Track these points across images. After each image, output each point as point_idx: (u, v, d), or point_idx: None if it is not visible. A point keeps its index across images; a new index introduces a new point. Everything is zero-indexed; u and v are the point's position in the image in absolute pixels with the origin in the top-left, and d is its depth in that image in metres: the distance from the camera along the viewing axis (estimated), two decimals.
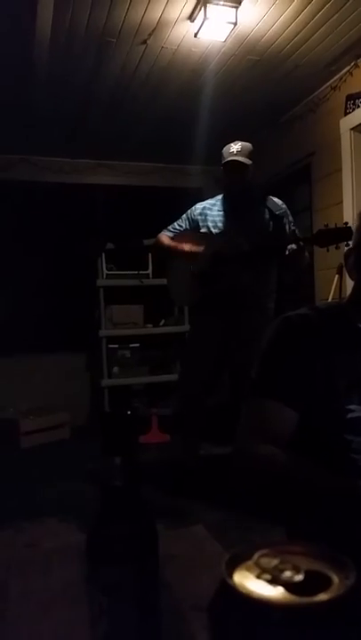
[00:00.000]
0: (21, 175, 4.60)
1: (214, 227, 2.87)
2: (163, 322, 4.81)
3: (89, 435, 4.05)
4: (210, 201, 2.96)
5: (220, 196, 2.96)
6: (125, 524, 0.50)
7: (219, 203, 2.92)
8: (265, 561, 0.36)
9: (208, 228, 2.88)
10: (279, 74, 3.43)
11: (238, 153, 2.74)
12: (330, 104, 3.59)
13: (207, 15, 2.67)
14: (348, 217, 3.30)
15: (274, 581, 0.34)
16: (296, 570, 0.35)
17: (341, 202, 3.45)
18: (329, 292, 3.45)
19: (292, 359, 1.01)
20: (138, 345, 4.69)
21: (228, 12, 2.68)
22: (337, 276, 3.43)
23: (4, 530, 2.10)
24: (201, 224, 2.90)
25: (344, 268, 1.14)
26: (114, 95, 3.62)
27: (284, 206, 2.88)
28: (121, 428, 0.51)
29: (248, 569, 0.36)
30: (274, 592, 0.33)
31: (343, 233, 2.23)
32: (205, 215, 2.90)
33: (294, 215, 3.00)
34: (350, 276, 1.10)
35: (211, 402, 2.96)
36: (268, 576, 0.35)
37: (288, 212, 2.88)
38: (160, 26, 2.85)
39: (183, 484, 2.85)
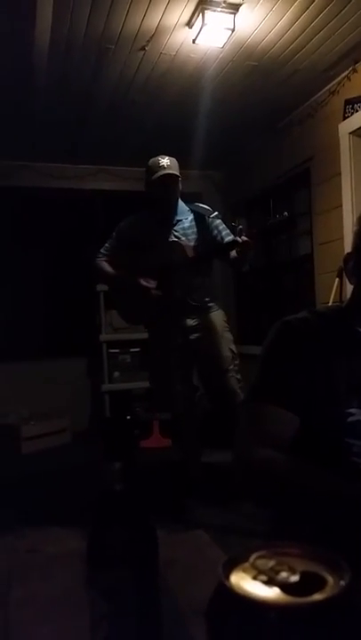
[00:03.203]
0: (23, 181, 4.62)
1: (149, 238, 2.86)
2: None
3: (90, 439, 4.05)
4: (135, 216, 2.98)
5: (143, 212, 2.97)
6: (125, 528, 0.51)
7: (145, 217, 2.94)
8: (261, 562, 0.36)
9: (140, 240, 2.88)
10: (277, 79, 3.45)
11: (169, 167, 2.79)
12: (328, 108, 3.60)
13: (205, 21, 2.68)
14: (348, 220, 3.31)
15: (270, 582, 0.35)
16: (292, 571, 0.35)
17: (341, 205, 3.46)
18: (329, 296, 3.46)
19: (292, 363, 1.02)
20: (138, 349, 4.69)
21: (225, 19, 2.70)
22: (337, 279, 3.43)
23: (4, 536, 2.10)
24: (133, 238, 2.91)
25: (344, 272, 1.15)
26: (113, 101, 3.64)
27: (213, 211, 2.93)
28: (121, 432, 0.51)
29: (245, 570, 0.36)
30: (270, 593, 0.34)
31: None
32: (135, 229, 2.93)
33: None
34: (349, 281, 1.10)
35: (199, 409, 2.99)
36: (264, 577, 0.35)
37: (218, 215, 2.93)
38: (158, 32, 2.87)
39: (184, 489, 2.85)
